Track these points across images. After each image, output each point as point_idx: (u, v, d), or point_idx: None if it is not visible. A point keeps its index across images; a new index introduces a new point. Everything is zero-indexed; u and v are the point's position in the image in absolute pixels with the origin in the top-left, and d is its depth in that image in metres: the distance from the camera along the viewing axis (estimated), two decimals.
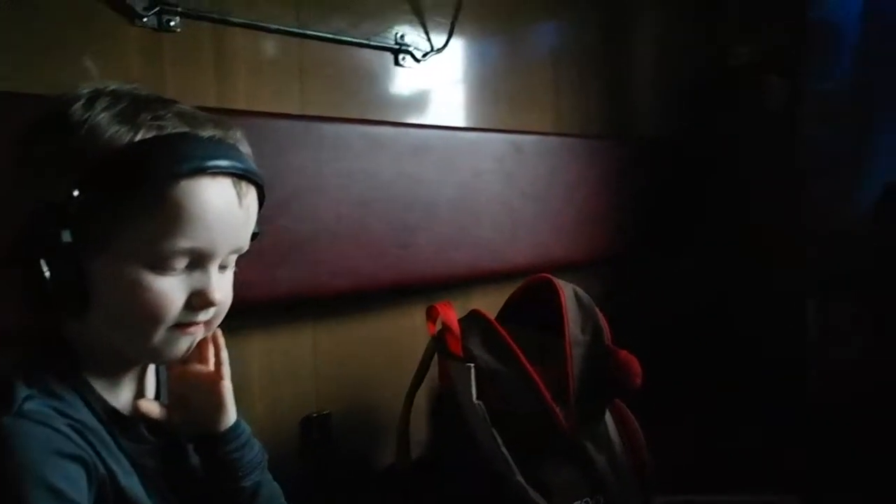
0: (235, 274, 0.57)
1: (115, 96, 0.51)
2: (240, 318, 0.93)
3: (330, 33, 1.05)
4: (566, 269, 1.31)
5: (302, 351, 1.04)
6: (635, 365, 0.89)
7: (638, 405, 0.96)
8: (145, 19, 0.88)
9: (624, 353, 0.90)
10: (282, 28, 1.00)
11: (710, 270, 1.46)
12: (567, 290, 0.94)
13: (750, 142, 1.44)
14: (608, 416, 0.93)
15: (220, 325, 0.58)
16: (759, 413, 1.19)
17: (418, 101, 1.18)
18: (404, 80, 1.15)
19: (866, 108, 1.28)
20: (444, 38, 1.17)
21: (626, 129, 1.45)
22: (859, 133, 1.29)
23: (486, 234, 1.18)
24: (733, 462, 1.05)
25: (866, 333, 1.07)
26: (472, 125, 1.24)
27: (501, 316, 1.00)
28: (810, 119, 1.33)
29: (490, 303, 1.03)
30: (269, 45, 1.00)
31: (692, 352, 1.39)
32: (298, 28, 1.01)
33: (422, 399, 0.96)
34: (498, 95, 1.28)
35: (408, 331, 1.11)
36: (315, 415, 1.04)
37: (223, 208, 0.51)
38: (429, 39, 1.18)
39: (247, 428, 0.62)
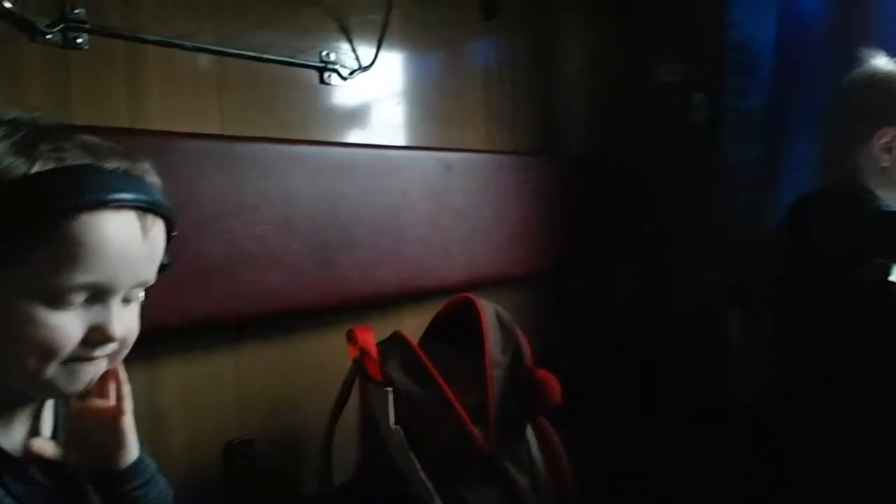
0: (146, 301, 0.55)
1: (14, 126, 0.49)
2: (157, 345, 0.92)
3: (251, 50, 1.03)
4: (499, 285, 1.33)
5: (224, 376, 1.01)
6: (553, 384, 0.90)
7: (566, 421, 0.97)
8: (49, 36, 0.84)
9: (542, 373, 0.91)
10: (199, 45, 0.97)
11: (639, 283, 1.49)
12: (489, 311, 0.95)
13: (676, 158, 1.49)
14: (531, 437, 0.94)
15: (137, 353, 0.57)
16: (682, 425, 1.22)
17: (344, 119, 1.17)
18: (330, 98, 1.14)
19: (780, 124, 1.33)
20: (371, 56, 1.17)
21: (557, 146, 1.48)
22: (774, 148, 1.34)
23: (416, 252, 1.17)
24: (658, 478, 1.08)
25: (779, 340, 1.11)
26: (401, 143, 1.23)
27: (426, 337, 1.00)
28: (729, 135, 1.38)
29: (422, 322, 1.03)
30: (186, 63, 0.98)
31: (621, 365, 1.42)
32: (217, 45, 0.99)
33: (351, 423, 0.95)
34: (428, 114, 1.28)
35: (335, 353, 1.09)
36: (238, 441, 1.02)
37: (126, 242, 0.50)
38: (356, 57, 1.17)
39: (151, 464, 0.60)
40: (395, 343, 0.90)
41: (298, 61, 1.09)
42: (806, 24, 1.31)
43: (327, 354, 1.10)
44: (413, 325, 1.00)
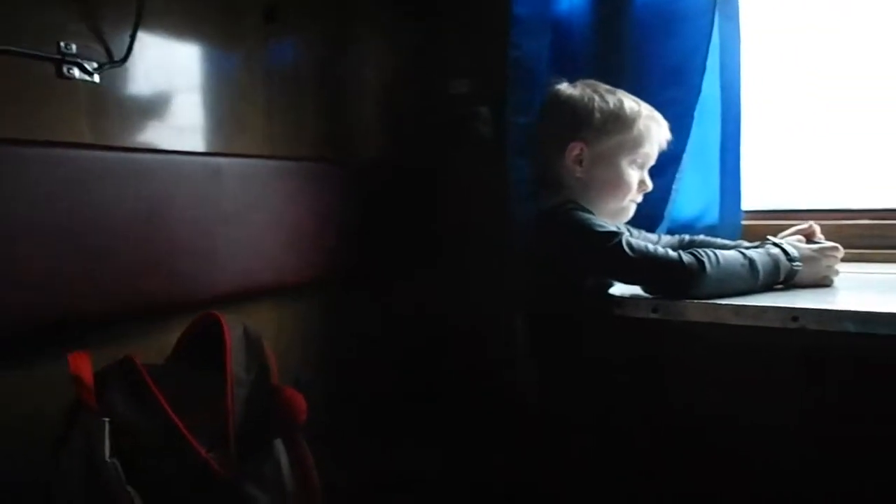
0: None
1: None
2: None
3: None
4: (275, 294, 1.29)
5: None
6: (299, 402, 0.89)
7: (337, 437, 0.96)
8: None
9: (288, 391, 0.89)
10: None
11: (430, 292, 1.53)
12: (235, 329, 0.91)
13: (468, 169, 1.54)
14: (282, 456, 0.92)
15: None
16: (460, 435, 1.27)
17: (94, 119, 1.06)
18: (75, 95, 1.03)
19: None
20: (124, 50, 1.07)
21: (344, 153, 1.47)
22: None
23: (181, 262, 1.10)
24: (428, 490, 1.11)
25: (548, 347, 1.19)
26: (164, 147, 1.15)
27: (171, 357, 0.94)
28: (511, 149, 1.45)
29: None
30: None
31: (405, 374, 1.45)
32: None
33: None
34: (196, 116, 1.21)
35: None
36: None
37: None
38: (107, 50, 1.07)
39: None
40: (121, 368, 0.83)
41: (26, 51, 0.97)
42: (573, 47, 1.41)
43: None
44: None
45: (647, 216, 1.31)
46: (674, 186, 1.32)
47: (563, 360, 1.07)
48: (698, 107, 1.32)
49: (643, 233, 1.27)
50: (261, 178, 1.24)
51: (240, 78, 1.28)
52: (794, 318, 0.89)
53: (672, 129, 1.29)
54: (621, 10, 1.35)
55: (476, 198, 1.49)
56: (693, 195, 1.38)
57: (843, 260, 1.19)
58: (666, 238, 1.28)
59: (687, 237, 1.28)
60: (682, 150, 1.30)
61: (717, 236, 1.31)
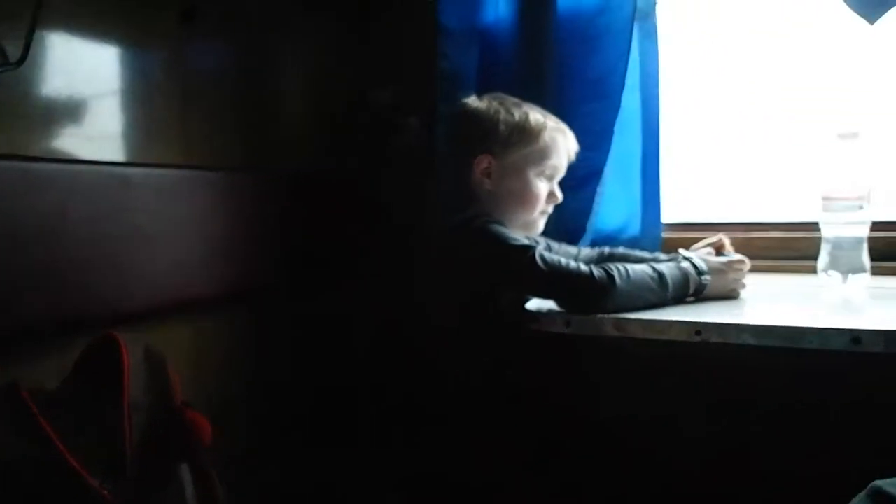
0: None
1: None
2: None
3: None
4: (194, 311, 1.24)
5: None
6: (203, 424, 0.86)
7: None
8: None
9: (191, 413, 0.86)
10: None
11: (355, 303, 1.50)
12: (134, 350, 0.87)
13: (395, 178, 1.53)
14: (187, 481, 0.89)
15: None
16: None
17: None
18: None
19: None
20: (20, 51, 1.01)
21: (269, 161, 1.43)
22: None
23: (83, 279, 1.04)
24: None
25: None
26: (66, 156, 1.09)
27: (68, 381, 0.89)
28: (440, 159, 1.44)
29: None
30: None
31: (336, 385, 1.43)
32: None
33: None
34: (106, 122, 1.15)
35: None
36: None
37: None
38: (1, 51, 1.00)
39: None
40: (3, 395, 0.78)
41: None
42: (499, 60, 1.42)
43: None
44: None
45: (570, 229, 1.33)
46: (595, 199, 1.34)
47: (478, 375, 1.07)
48: (621, 121, 1.36)
49: (563, 246, 1.28)
50: (176, 188, 1.19)
51: (154, 81, 1.23)
52: (698, 332, 0.92)
53: (593, 143, 1.32)
54: (545, 25, 1.37)
55: (401, 208, 1.48)
56: (616, 208, 1.41)
57: (755, 271, 1.25)
58: (586, 251, 1.31)
59: (607, 250, 1.31)
60: (604, 164, 1.33)
61: (638, 248, 1.34)
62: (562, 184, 1.22)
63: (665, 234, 1.41)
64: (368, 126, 1.53)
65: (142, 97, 1.21)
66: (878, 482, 0.63)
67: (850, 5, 1.18)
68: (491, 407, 1.06)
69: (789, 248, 1.37)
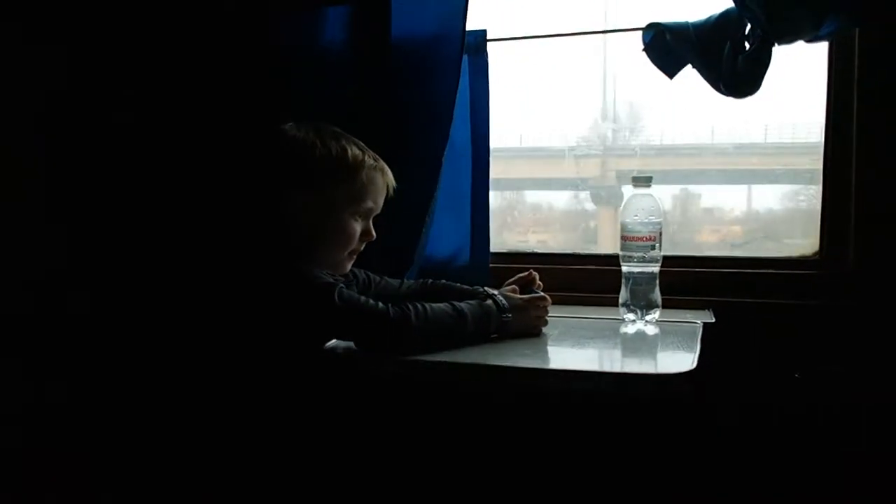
0: None
1: None
2: None
3: None
4: None
5: None
6: None
7: None
8: None
9: None
10: None
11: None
12: None
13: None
14: None
15: None
16: None
17: None
18: None
19: None
20: None
21: None
22: None
23: None
24: None
25: None
26: None
27: None
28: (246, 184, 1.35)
29: None
30: None
31: None
32: None
33: None
34: None
35: None
36: None
37: None
38: None
39: None
40: None
41: None
42: (333, 85, 1.40)
43: None
44: None
45: (396, 260, 1.34)
46: (424, 231, 1.36)
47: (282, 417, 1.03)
48: (452, 154, 1.39)
49: (385, 279, 1.28)
50: None
51: None
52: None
53: (422, 174, 1.33)
54: (378, 51, 1.36)
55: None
56: (447, 237, 1.44)
57: (564, 303, 1.31)
58: (408, 283, 1.30)
59: (430, 281, 1.30)
60: (432, 195, 1.35)
61: (468, 276, 1.36)
62: (389, 215, 1.18)
63: (494, 265, 1.45)
64: None
65: None
66: None
67: (652, 60, 1.28)
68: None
69: (596, 279, 1.41)
